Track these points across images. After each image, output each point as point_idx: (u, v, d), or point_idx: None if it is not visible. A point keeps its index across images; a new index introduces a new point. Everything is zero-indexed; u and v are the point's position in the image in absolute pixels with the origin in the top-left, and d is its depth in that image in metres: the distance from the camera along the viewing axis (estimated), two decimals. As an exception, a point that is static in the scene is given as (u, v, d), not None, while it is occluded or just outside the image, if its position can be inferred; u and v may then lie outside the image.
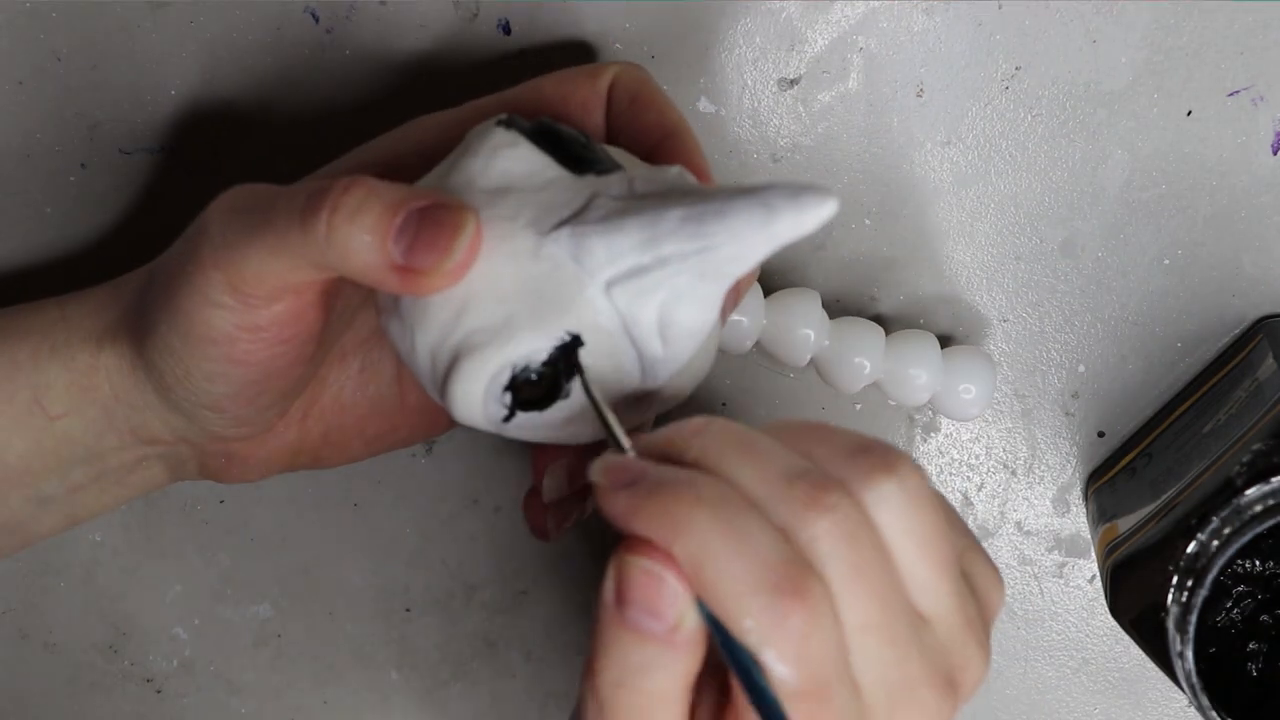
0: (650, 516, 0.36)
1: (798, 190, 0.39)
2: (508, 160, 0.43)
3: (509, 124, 0.44)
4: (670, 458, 0.38)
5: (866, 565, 0.37)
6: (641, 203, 0.41)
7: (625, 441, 0.39)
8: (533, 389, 0.42)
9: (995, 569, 0.41)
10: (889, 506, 0.37)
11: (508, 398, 0.42)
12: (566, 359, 0.42)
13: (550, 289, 0.41)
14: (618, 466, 0.38)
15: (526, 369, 0.42)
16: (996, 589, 0.41)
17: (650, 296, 0.41)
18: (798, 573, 0.36)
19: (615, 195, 0.42)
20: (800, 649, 0.36)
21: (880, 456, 0.38)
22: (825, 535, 0.36)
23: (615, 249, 0.41)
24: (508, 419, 0.43)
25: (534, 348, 0.41)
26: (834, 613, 0.36)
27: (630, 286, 0.41)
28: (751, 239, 0.39)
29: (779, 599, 0.36)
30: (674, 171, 0.43)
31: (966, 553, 0.40)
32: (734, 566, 0.36)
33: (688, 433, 0.38)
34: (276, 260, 0.42)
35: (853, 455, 0.38)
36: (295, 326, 0.44)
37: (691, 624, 0.37)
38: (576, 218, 0.41)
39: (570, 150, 0.43)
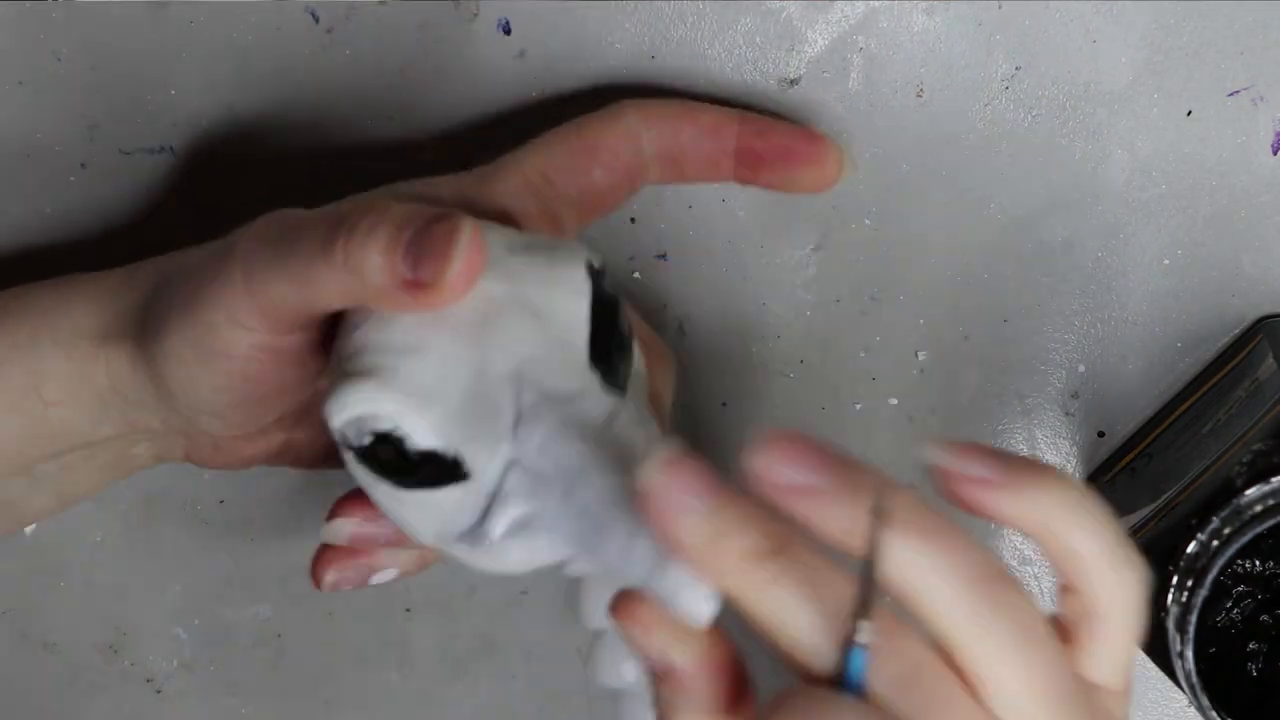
0: None
1: (695, 583, 0.38)
2: (560, 301, 0.42)
3: (597, 275, 0.43)
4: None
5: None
6: (577, 500, 0.40)
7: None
8: (389, 454, 0.41)
9: None
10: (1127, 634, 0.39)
11: (367, 439, 0.41)
12: (452, 470, 0.41)
13: (486, 413, 0.41)
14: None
15: (406, 437, 0.41)
16: None
17: (523, 533, 0.41)
18: None
19: (584, 428, 0.41)
20: None
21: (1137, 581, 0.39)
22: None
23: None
24: (342, 460, 0.42)
25: (432, 433, 0.41)
26: None
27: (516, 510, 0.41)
28: (632, 575, 0.39)
29: None
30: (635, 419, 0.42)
31: None
32: None
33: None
34: (305, 290, 0.42)
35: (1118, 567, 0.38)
36: (314, 350, 0.45)
37: None
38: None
39: (606, 342, 0.42)
